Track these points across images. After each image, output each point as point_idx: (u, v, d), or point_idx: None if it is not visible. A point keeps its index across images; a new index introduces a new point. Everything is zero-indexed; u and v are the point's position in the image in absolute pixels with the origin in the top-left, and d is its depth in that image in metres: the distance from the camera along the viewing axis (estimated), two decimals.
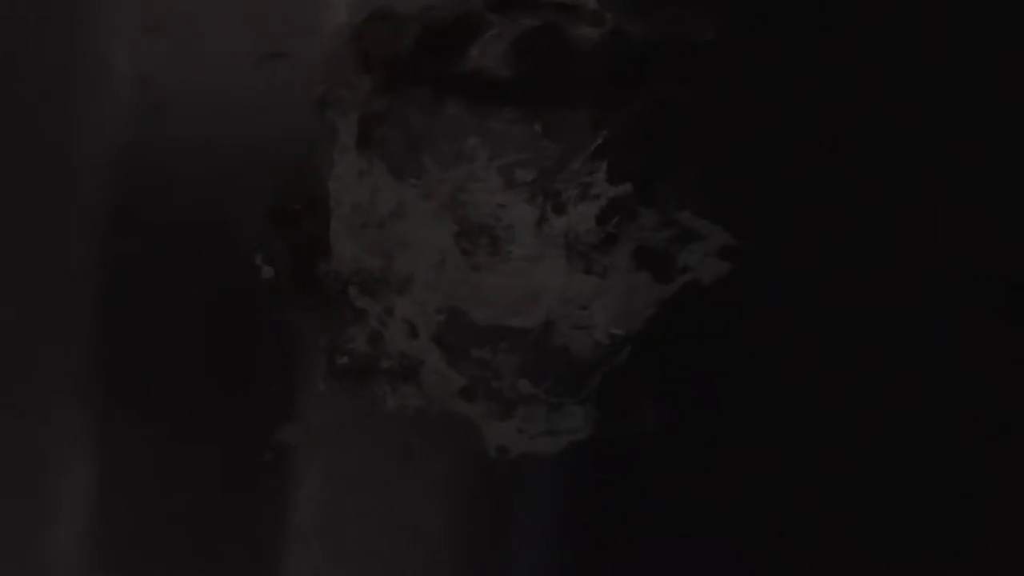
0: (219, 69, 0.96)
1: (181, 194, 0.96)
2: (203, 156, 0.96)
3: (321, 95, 0.95)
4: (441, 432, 0.93)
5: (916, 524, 0.90)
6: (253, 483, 0.96)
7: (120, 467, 0.97)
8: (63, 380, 0.97)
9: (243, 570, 0.96)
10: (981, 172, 0.89)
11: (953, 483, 0.90)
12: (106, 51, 0.97)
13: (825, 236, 0.90)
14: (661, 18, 0.88)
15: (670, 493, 0.92)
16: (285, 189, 0.95)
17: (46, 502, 0.98)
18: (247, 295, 0.95)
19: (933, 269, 0.89)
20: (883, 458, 0.90)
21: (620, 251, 0.90)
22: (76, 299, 0.96)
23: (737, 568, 0.91)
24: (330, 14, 0.95)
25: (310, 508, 0.95)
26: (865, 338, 0.90)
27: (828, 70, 0.90)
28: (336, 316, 0.95)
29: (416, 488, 0.93)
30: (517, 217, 0.90)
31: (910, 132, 0.89)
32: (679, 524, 0.91)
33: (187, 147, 0.96)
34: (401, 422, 0.94)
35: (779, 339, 0.90)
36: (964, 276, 0.89)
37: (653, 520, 0.91)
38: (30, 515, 0.98)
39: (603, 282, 0.90)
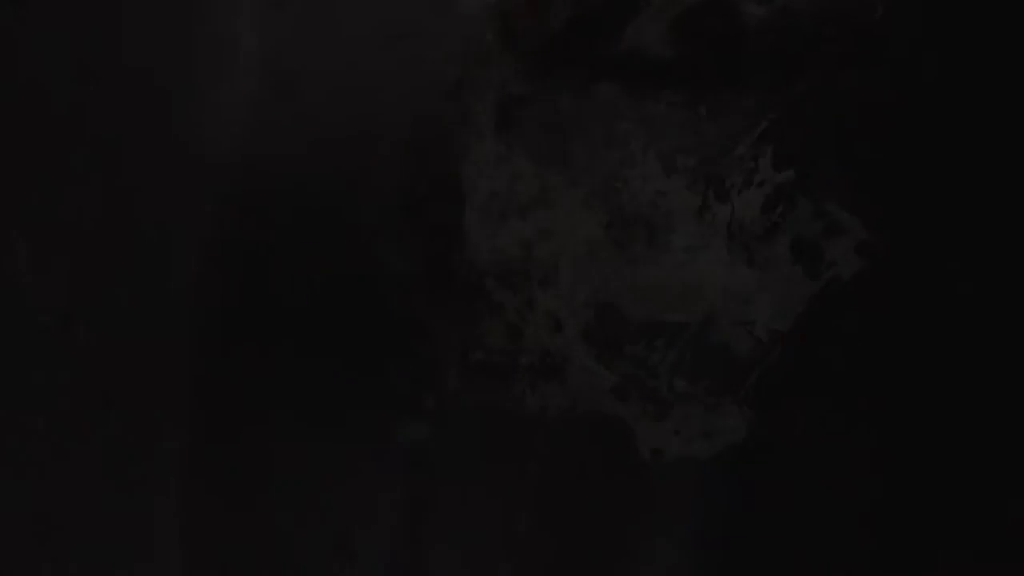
0: (347, 48, 0.91)
1: (306, 179, 0.91)
2: (329, 139, 0.90)
3: (457, 77, 0.89)
4: (588, 434, 0.87)
5: None
6: (378, 484, 0.90)
7: (238, 458, 0.90)
8: (180, 367, 0.91)
9: (374, 565, 0.90)
10: None
11: None
12: (229, 28, 0.91)
13: (962, 237, 0.86)
14: None
15: (821, 496, 0.87)
16: (416, 174, 0.90)
17: (158, 485, 0.91)
18: (376, 287, 0.90)
19: None
20: None
21: (780, 243, 0.86)
22: (198, 284, 0.90)
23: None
24: None
25: (438, 514, 0.90)
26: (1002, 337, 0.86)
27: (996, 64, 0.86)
28: (470, 309, 0.89)
29: (559, 494, 0.88)
30: (677, 205, 0.85)
31: None
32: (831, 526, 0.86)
33: (312, 129, 0.91)
34: (542, 423, 0.88)
35: (916, 337, 0.86)
36: None
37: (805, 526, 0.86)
38: (147, 492, 0.92)
39: (764, 275, 0.85)
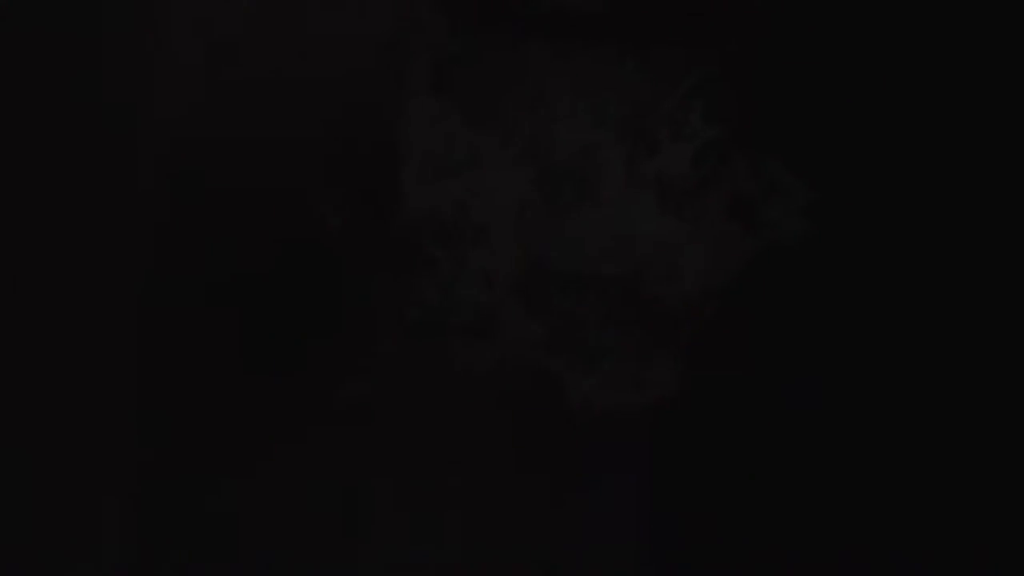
0: (284, 9, 0.92)
1: (244, 140, 0.91)
2: (266, 100, 0.91)
3: (393, 38, 0.90)
4: (519, 386, 0.87)
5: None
6: (316, 443, 0.89)
7: (181, 418, 0.90)
8: (122, 334, 0.91)
9: (314, 528, 0.89)
10: None
11: None
12: None
13: (910, 198, 0.86)
14: None
15: (754, 454, 0.86)
16: (354, 135, 0.90)
17: (108, 450, 0.91)
18: (312, 246, 0.90)
19: None
20: (973, 421, 0.85)
21: (712, 198, 0.86)
22: (138, 248, 0.91)
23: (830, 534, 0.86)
24: None
25: (378, 472, 0.89)
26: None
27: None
28: (406, 268, 0.89)
29: (494, 447, 0.88)
30: (606, 157, 0.85)
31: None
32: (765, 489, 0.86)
33: (250, 91, 0.91)
34: (476, 377, 0.88)
35: (858, 301, 0.86)
36: None
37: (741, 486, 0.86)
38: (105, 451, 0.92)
39: (694, 229, 0.86)
